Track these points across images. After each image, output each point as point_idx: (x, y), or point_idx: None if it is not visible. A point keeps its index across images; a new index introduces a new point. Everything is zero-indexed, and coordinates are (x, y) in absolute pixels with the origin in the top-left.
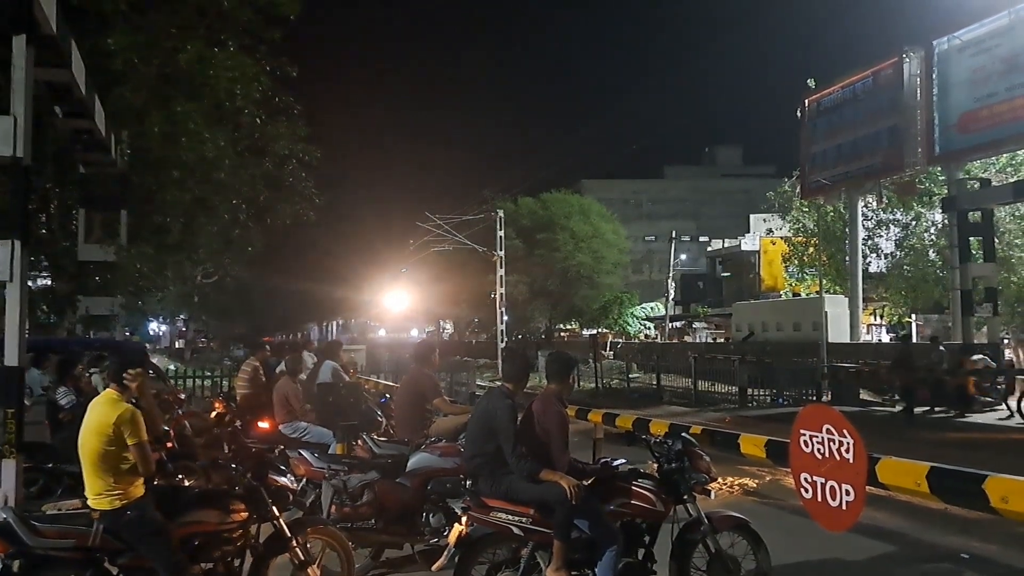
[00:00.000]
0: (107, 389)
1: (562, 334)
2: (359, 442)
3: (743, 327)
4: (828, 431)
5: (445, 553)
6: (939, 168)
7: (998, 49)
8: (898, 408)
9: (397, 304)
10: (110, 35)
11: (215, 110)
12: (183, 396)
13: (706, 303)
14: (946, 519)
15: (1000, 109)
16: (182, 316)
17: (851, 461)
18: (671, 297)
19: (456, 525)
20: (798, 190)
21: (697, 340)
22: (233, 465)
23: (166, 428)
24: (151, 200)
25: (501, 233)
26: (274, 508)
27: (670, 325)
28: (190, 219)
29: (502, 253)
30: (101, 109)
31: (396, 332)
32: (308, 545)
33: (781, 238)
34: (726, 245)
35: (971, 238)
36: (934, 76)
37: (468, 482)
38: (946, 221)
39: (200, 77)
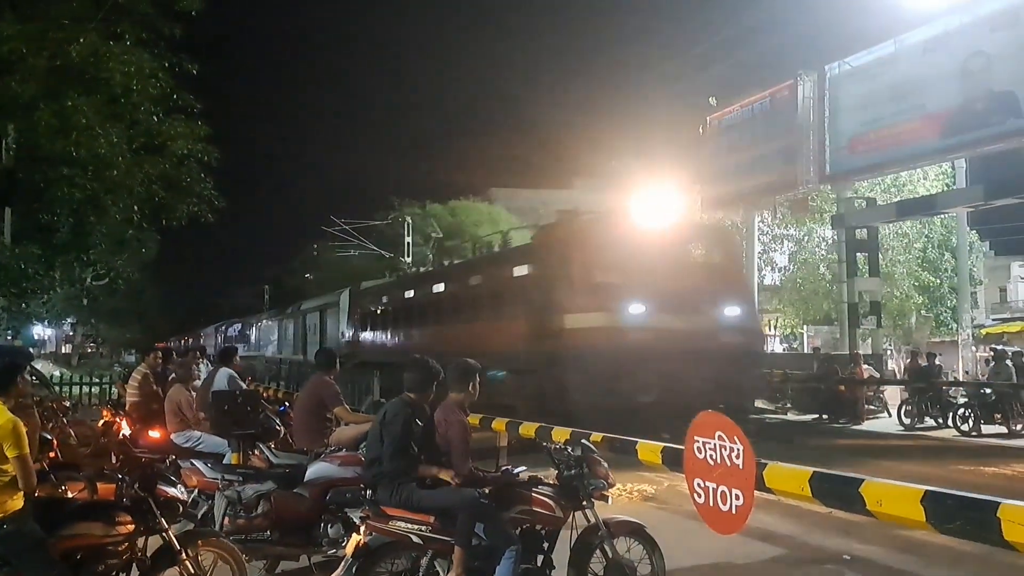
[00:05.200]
0: None
1: None
2: (256, 452)
3: None
4: (720, 437)
5: (343, 564)
6: (830, 187)
7: (884, 76)
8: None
9: None
10: None
11: (109, 105)
12: (68, 404)
13: None
14: (830, 522)
15: (884, 134)
16: (70, 320)
17: (741, 467)
18: None
19: (354, 535)
20: (699, 204)
21: None
22: (120, 475)
23: (49, 437)
24: (39, 197)
25: (409, 239)
26: (163, 520)
27: None
28: (81, 218)
29: (410, 259)
30: None
31: None
32: (199, 558)
33: None
34: None
35: (858, 254)
36: (826, 100)
37: (368, 491)
38: (835, 237)
39: (94, 70)
